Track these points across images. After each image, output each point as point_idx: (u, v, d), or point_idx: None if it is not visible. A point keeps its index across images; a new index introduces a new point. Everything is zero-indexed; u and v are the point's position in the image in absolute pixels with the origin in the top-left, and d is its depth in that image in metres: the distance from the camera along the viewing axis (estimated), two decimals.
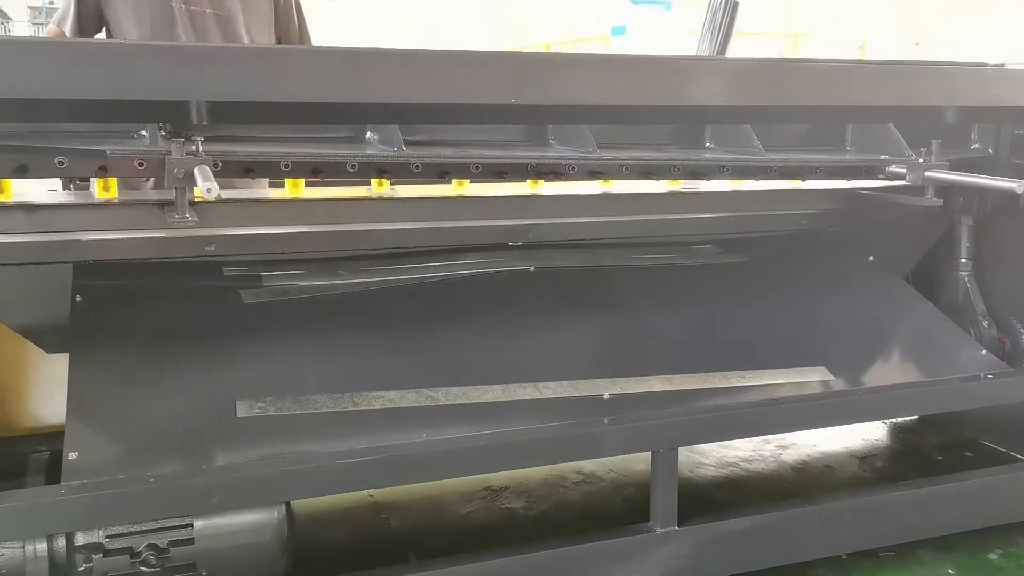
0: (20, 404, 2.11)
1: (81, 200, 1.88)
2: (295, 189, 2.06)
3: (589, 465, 2.51)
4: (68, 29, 2.66)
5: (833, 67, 1.90)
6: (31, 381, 2.12)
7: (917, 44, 20.35)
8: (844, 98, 1.85)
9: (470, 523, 2.23)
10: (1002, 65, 2.64)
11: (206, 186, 1.41)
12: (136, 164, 1.70)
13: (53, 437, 1.99)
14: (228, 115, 1.56)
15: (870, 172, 2.36)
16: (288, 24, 2.89)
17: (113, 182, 1.89)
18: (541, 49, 15.68)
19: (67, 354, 1.82)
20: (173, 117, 1.53)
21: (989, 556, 2.13)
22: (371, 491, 2.30)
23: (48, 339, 1.92)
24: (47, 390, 2.13)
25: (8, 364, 2.07)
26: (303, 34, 2.95)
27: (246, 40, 2.74)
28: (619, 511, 2.27)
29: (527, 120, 1.85)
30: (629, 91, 1.66)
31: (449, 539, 2.14)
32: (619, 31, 10.31)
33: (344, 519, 2.16)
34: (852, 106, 1.90)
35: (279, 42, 2.84)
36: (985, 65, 2.63)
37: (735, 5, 5.47)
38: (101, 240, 1.85)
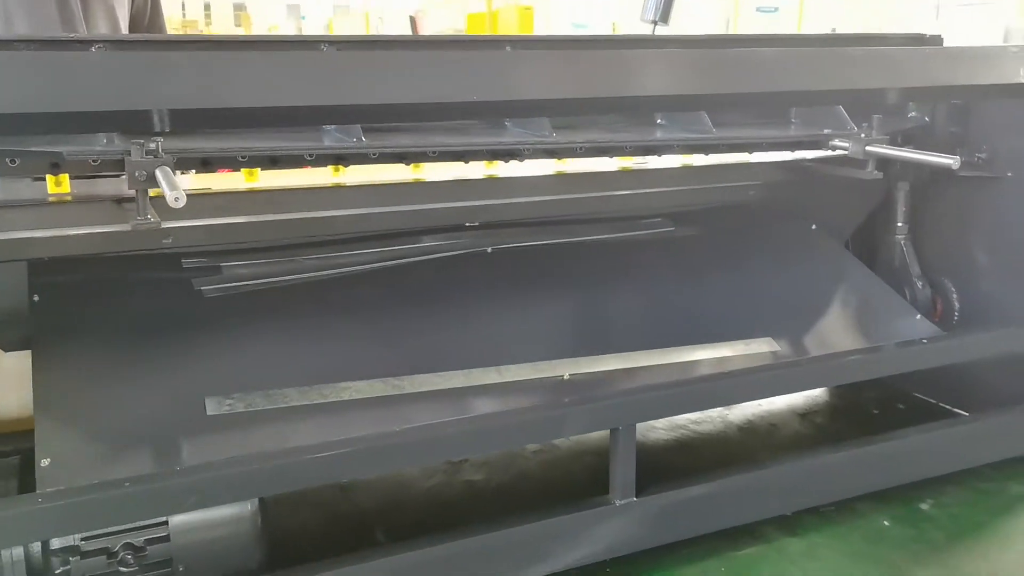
0: None
1: (34, 198, 1.85)
2: (251, 177, 2.05)
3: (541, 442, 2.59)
4: None
5: (776, 53, 1.96)
6: None
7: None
8: (788, 84, 1.91)
9: (434, 498, 2.30)
10: (939, 36, 2.74)
11: (173, 195, 1.41)
12: (91, 161, 1.70)
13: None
14: (189, 120, 1.55)
15: (814, 146, 2.45)
16: (143, 7, 2.88)
17: (65, 177, 1.87)
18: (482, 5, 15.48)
19: (22, 351, 1.82)
20: (131, 125, 1.52)
21: (921, 507, 2.27)
22: None
23: (4, 337, 1.91)
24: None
25: None
26: (157, 10, 2.95)
27: (112, 4, 2.71)
28: (578, 479, 2.35)
29: (484, 115, 1.87)
30: (582, 86, 1.69)
31: (415, 515, 2.20)
32: None
33: (311, 501, 2.20)
34: (797, 91, 1.97)
35: (133, 14, 2.84)
36: (923, 35, 2.73)
37: None
38: (55, 236, 1.83)
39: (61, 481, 1.51)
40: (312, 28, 29.40)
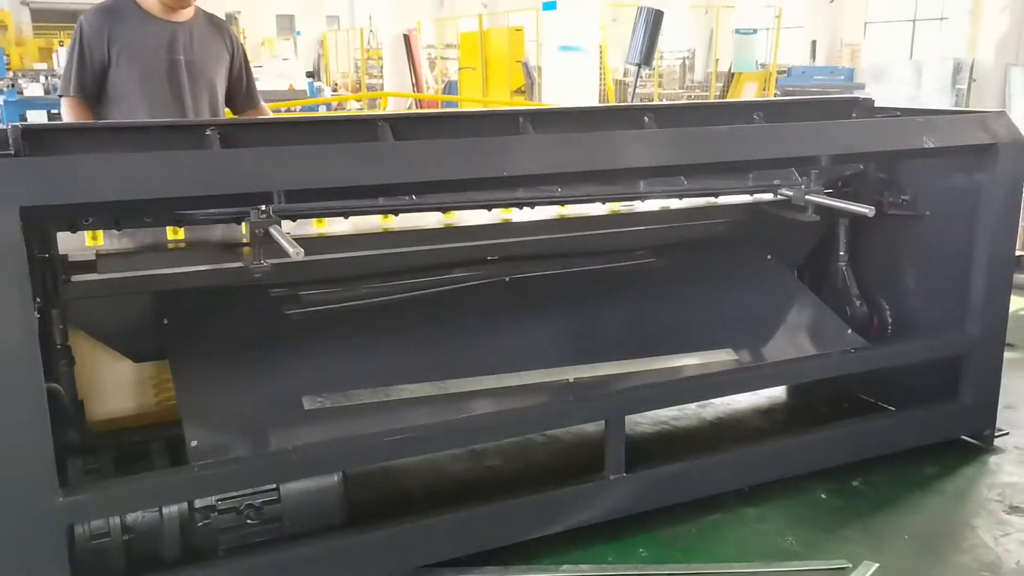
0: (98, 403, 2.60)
1: (159, 242, 2.39)
2: (320, 223, 2.61)
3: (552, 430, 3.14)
4: (80, 94, 3.20)
5: (732, 130, 2.54)
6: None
7: (831, 1, 21.50)
8: (744, 155, 2.48)
9: (463, 480, 2.84)
10: (870, 99, 3.33)
11: (294, 252, 1.95)
12: (212, 218, 2.25)
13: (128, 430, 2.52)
14: (295, 195, 2.09)
15: (768, 192, 3.02)
16: (240, 73, 3.52)
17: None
18: (473, 18, 16.12)
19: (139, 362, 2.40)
20: (253, 199, 2.06)
21: (852, 483, 2.83)
22: None
23: (137, 352, 2.45)
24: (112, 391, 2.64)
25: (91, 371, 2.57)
26: (251, 83, 3.59)
27: (213, 81, 3.37)
28: (578, 464, 2.88)
29: (509, 185, 2.43)
30: (585, 162, 2.26)
31: (448, 494, 2.73)
32: (550, 6, 10.86)
33: (364, 482, 2.73)
34: (751, 160, 2.55)
35: (230, 86, 3.48)
36: (857, 98, 3.32)
37: (660, 15, 6.11)
38: (178, 273, 2.38)
39: (206, 457, 2.07)
40: (306, 42, 29.90)
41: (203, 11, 3.40)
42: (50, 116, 11.65)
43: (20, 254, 1.73)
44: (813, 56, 21.78)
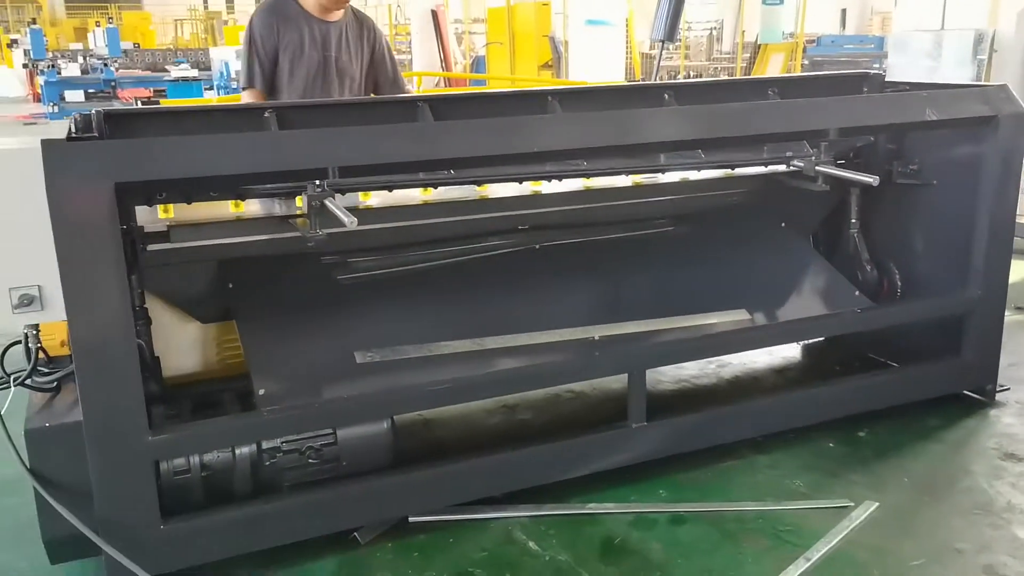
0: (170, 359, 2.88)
1: (222, 217, 2.65)
2: (366, 196, 2.85)
3: (578, 386, 3.38)
4: (259, 85, 3.53)
5: (746, 106, 2.75)
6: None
7: None
8: (758, 129, 2.69)
9: (497, 431, 3.10)
10: (880, 73, 3.50)
11: (349, 221, 2.20)
12: (270, 192, 2.51)
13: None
14: (351, 172, 2.33)
15: (781, 163, 3.21)
16: (382, 60, 3.79)
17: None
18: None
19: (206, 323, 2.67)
20: (312, 174, 2.31)
21: (859, 433, 3.06)
22: (421, 412, 3.14)
23: (204, 313, 2.72)
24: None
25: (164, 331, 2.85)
26: (396, 73, 3.88)
27: (356, 75, 3.69)
28: (603, 417, 3.13)
29: (540, 159, 2.66)
30: (610, 138, 2.49)
31: (483, 442, 2.99)
32: None
33: (410, 433, 3.00)
34: (764, 134, 2.75)
35: (373, 79, 3.77)
36: (868, 73, 3.49)
37: None
38: (240, 243, 2.63)
39: (272, 404, 2.33)
40: None
41: (351, 8, 3.68)
42: (87, 95, 12.04)
43: (116, 225, 1.99)
44: (843, 25, 21.57)
